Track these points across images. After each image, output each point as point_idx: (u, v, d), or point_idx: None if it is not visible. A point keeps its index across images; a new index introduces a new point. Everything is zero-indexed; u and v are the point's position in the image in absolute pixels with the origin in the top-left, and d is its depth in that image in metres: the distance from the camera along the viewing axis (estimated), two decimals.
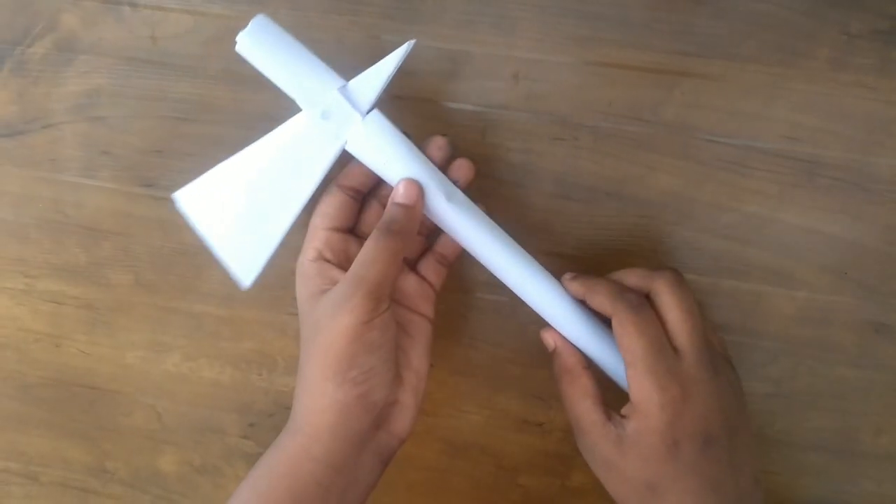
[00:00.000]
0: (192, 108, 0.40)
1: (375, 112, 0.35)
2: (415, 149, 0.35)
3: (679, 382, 0.31)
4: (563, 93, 0.38)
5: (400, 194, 0.34)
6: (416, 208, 0.34)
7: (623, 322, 0.32)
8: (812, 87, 0.37)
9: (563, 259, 0.40)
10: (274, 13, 0.37)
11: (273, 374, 0.44)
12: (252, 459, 0.45)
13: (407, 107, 0.39)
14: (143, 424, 0.45)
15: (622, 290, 0.33)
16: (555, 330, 0.35)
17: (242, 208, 0.36)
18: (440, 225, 0.35)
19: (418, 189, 0.34)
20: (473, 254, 0.36)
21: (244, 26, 0.34)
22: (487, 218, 0.35)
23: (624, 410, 0.33)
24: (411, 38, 0.35)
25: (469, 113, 0.39)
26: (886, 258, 0.39)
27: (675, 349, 0.32)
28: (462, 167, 0.36)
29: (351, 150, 0.35)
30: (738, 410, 0.33)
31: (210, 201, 0.36)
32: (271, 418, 0.45)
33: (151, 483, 0.46)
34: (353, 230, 0.37)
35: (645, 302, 0.33)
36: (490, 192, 0.40)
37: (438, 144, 0.36)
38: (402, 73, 0.39)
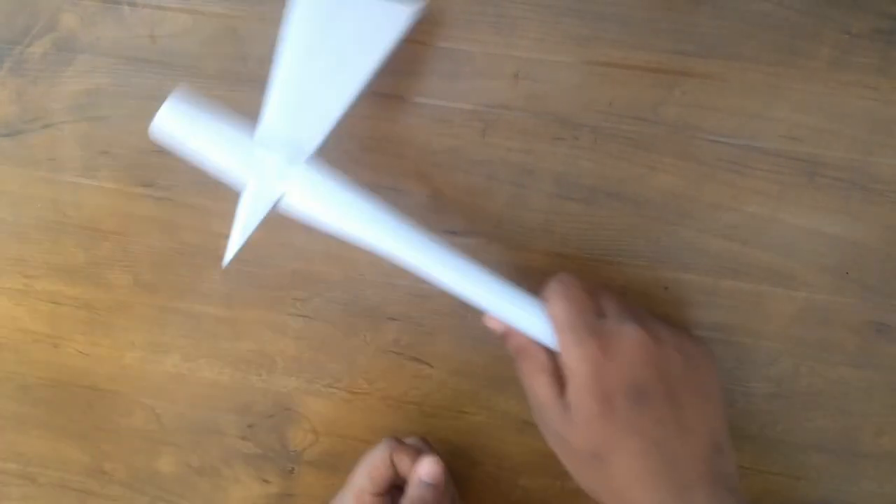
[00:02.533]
0: None
1: (305, 167, 0.34)
2: (354, 195, 0.34)
3: (599, 336, 0.32)
4: (563, 92, 0.38)
5: (426, 473, 0.36)
6: (441, 486, 0.36)
7: (549, 291, 0.34)
8: (813, 87, 0.37)
9: (563, 259, 0.40)
10: (274, 13, 0.37)
11: (272, 374, 0.44)
12: (251, 460, 0.45)
13: (408, 107, 0.39)
14: (142, 425, 0.45)
15: (554, 277, 0.35)
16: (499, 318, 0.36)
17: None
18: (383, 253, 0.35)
19: (441, 469, 0.36)
20: (411, 269, 0.35)
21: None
22: (423, 235, 0.35)
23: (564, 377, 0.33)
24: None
25: (469, 113, 0.39)
26: (887, 258, 0.39)
27: (600, 314, 0.34)
28: (426, 467, 0.37)
29: (289, 207, 0.35)
30: (684, 371, 0.33)
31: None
32: (270, 419, 0.44)
33: (150, 484, 0.46)
34: None
35: (576, 282, 0.35)
36: (490, 193, 0.40)
37: (427, 471, 0.37)
38: (403, 73, 0.39)
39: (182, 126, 0.34)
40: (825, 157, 0.38)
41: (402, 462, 0.38)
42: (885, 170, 0.38)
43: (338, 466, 0.44)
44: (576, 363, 0.32)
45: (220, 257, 0.42)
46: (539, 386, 0.34)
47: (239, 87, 0.40)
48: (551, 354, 0.34)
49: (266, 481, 0.45)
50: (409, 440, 0.40)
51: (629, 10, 0.37)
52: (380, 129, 0.40)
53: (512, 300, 0.35)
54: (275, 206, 0.34)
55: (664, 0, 0.37)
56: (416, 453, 0.38)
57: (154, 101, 0.40)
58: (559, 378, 0.33)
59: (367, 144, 0.40)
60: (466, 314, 0.42)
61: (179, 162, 0.41)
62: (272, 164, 0.34)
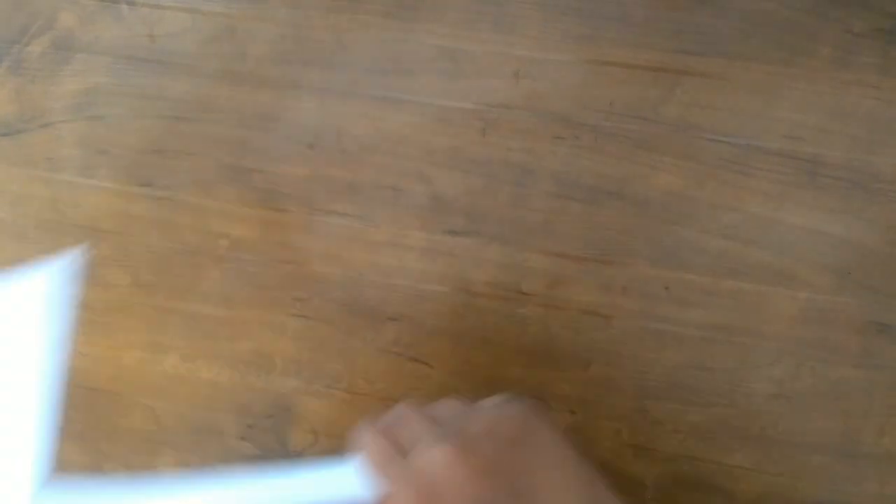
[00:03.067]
0: (191, 107, 0.40)
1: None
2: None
3: (412, 482, 0.27)
4: (563, 92, 0.38)
5: None
6: None
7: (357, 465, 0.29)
8: (814, 86, 0.37)
9: (563, 259, 0.40)
10: (274, 13, 0.37)
11: (271, 375, 0.44)
12: (251, 461, 0.45)
13: (408, 107, 0.39)
14: (141, 425, 0.45)
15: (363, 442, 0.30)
16: None
17: None
18: None
19: None
20: None
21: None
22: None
23: None
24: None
25: (469, 112, 0.39)
26: (889, 258, 0.39)
27: (402, 452, 0.29)
28: None
29: None
30: (515, 457, 0.28)
31: None
32: (269, 419, 0.44)
33: None
34: None
35: (372, 432, 0.30)
36: (490, 193, 0.40)
37: None
38: (402, 73, 0.39)
39: None
40: (826, 157, 0.38)
41: None
42: (886, 169, 0.38)
43: None
44: None
45: (220, 257, 0.42)
46: None
47: (238, 87, 0.39)
48: None
49: None
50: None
51: (630, 10, 0.37)
52: (379, 129, 0.40)
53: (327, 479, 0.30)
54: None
55: None
56: None
57: (152, 100, 0.40)
58: None
59: (367, 144, 0.40)
60: (466, 314, 0.42)
61: (179, 162, 0.41)
62: None
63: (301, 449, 0.44)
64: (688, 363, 0.41)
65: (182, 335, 0.44)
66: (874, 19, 0.36)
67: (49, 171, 0.42)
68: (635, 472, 0.42)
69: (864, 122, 0.37)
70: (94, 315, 0.44)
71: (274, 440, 0.44)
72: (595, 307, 0.40)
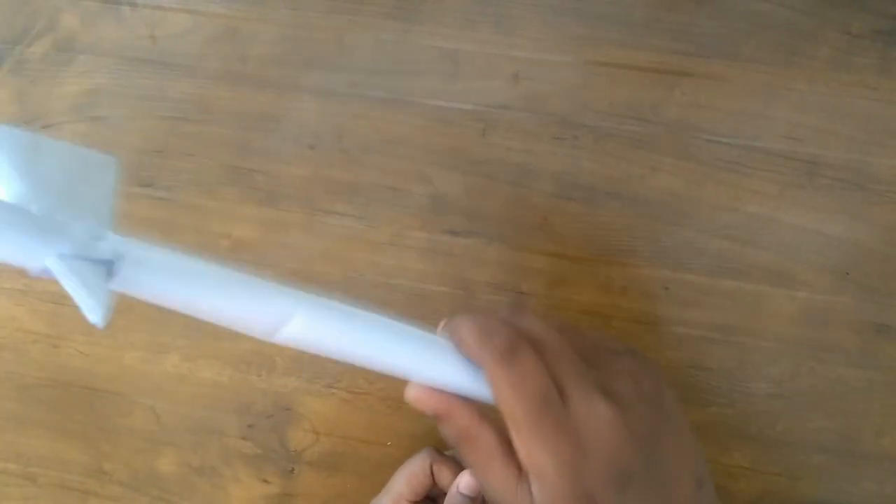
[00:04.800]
0: (192, 107, 0.40)
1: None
2: (194, 265, 0.27)
3: (571, 435, 0.26)
4: (563, 92, 0.38)
5: (464, 484, 0.35)
6: (479, 499, 0.35)
7: (494, 380, 0.27)
8: (813, 87, 0.37)
9: (563, 259, 0.40)
10: (275, 14, 0.37)
11: (272, 374, 0.44)
12: (251, 460, 0.45)
13: (408, 107, 0.39)
14: (142, 425, 0.45)
15: (490, 334, 0.28)
16: (427, 387, 0.28)
17: None
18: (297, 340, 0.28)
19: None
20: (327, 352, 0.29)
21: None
22: (330, 302, 0.29)
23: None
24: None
25: (469, 113, 0.39)
26: (887, 258, 0.39)
27: (559, 389, 0.27)
28: (467, 478, 0.36)
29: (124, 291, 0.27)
30: (656, 421, 0.28)
31: None
32: (270, 419, 0.44)
33: (150, 484, 0.46)
34: None
35: (518, 344, 0.27)
36: (490, 193, 0.40)
37: (466, 483, 0.36)
38: (403, 74, 0.39)
39: None
40: (825, 158, 0.38)
41: (442, 473, 0.38)
42: (884, 170, 0.38)
43: (338, 466, 0.44)
44: (549, 475, 0.26)
45: (220, 257, 0.42)
46: (493, 476, 0.27)
47: (239, 87, 0.40)
48: (499, 432, 0.27)
49: (266, 481, 0.45)
50: (449, 452, 0.41)
51: (629, 10, 0.37)
52: (380, 129, 0.40)
53: (443, 359, 0.28)
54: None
55: (665, 0, 0.37)
56: (456, 466, 0.38)
57: (154, 101, 0.40)
58: (513, 459, 0.27)
59: (367, 144, 0.40)
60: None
61: (180, 162, 0.41)
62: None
63: (301, 449, 0.44)
64: (687, 363, 0.41)
65: (183, 335, 0.44)
66: (873, 21, 0.36)
67: None
68: None
69: (862, 122, 0.37)
70: None
71: (275, 440, 0.44)
72: (595, 307, 0.41)
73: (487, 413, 0.28)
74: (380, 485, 0.40)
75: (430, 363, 0.28)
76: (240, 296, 0.27)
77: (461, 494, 0.36)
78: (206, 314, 0.27)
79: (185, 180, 0.41)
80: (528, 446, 0.26)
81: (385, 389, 0.43)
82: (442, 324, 0.30)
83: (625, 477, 0.26)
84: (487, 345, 0.27)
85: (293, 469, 0.45)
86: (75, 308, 0.45)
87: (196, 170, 0.41)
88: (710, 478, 0.30)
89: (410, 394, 0.29)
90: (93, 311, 0.25)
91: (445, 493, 0.37)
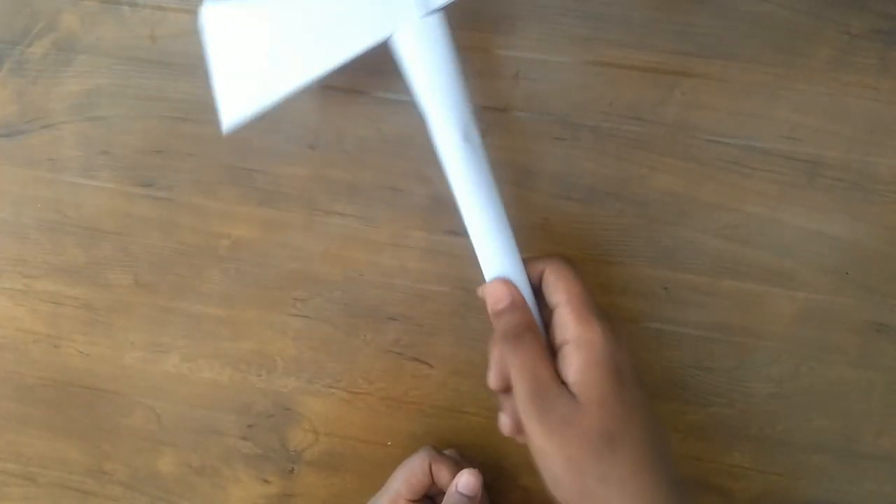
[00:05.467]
0: (192, 107, 0.40)
1: (435, 17, 0.33)
2: (453, 75, 0.33)
3: (609, 320, 0.32)
4: (563, 93, 0.38)
5: (464, 484, 0.37)
6: (477, 498, 0.37)
7: (560, 268, 0.33)
8: (813, 87, 0.37)
9: None
10: None
11: (272, 374, 0.44)
12: (251, 460, 0.45)
13: (408, 107, 0.39)
14: (142, 425, 0.45)
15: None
16: (506, 281, 0.33)
17: (261, 48, 0.34)
18: (442, 159, 0.34)
19: (479, 481, 0.37)
20: (459, 198, 0.34)
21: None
22: (487, 174, 0.34)
23: (562, 356, 0.32)
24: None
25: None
26: (887, 258, 0.39)
27: None
28: (465, 477, 0.37)
29: (396, 44, 0.33)
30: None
31: (233, 27, 0.34)
32: (270, 419, 0.44)
33: (150, 484, 0.46)
34: None
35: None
36: None
37: (465, 482, 0.37)
38: (403, 74, 0.39)
39: None
40: (825, 158, 0.38)
41: (441, 472, 0.38)
42: (884, 170, 0.38)
43: (338, 466, 0.44)
44: (597, 337, 0.31)
45: (221, 257, 0.42)
46: (544, 367, 0.32)
47: None
48: (548, 337, 0.33)
49: (266, 481, 0.45)
50: (447, 452, 0.41)
51: (629, 11, 0.37)
52: (380, 129, 0.40)
53: (518, 260, 0.34)
54: (381, 41, 0.33)
55: (664, 0, 0.37)
56: (455, 465, 0.38)
57: (154, 101, 0.40)
58: (553, 362, 0.32)
59: (367, 144, 0.40)
60: (466, 314, 0.42)
61: (180, 162, 0.41)
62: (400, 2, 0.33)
63: (301, 449, 0.44)
64: (687, 363, 0.41)
65: (183, 335, 0.44)
66: (872, 21, 0.36)
67: (51, 171, 0.42)
68: None
69: (862, 122, 0.37)
70: (95, 315, 0.44)
71: (275, 440, 0.44)
72: None
73: None
74: (379, 485, 0.40)
75: (520, 272, 0.34)
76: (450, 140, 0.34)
77: (460, 494, 0.36)
78: None
79: (185, 180, 0.41)
80: (583, 313, 0.31)
81: (385, 389, 0.43)
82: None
83: (639, 376, 0.32)
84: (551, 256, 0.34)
85: (293, 469, 0.45)
86: (75, 308, 0.45)
87: (196, 169, 0.41)
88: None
89: (493, 287, 0.33)
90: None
91: (444, 493, 0.37)
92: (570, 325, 0.32)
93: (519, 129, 0.39)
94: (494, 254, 0.33)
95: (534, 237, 0.40)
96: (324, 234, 0.41)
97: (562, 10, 0.37)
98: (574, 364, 0.31)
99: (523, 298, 0.33)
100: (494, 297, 0.33)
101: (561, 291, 0.32)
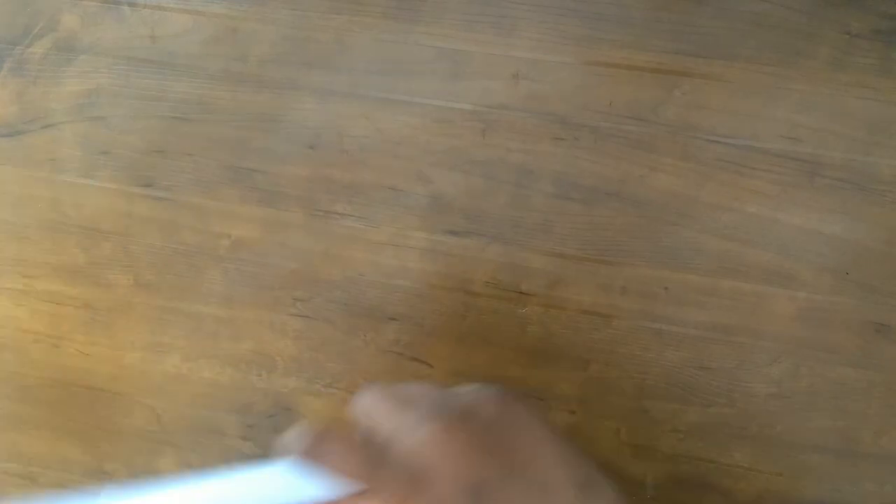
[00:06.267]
0: (192, 107, 0.40)
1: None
2: None
3: (388, 475, 0.26)
4: (563, 93, 0.38)
5: None
6: None
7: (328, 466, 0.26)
8: (812, 87, 0.37)
9: (563, 259, 0.40)
10: (275, 15, 0.37)
11: (272, 374, 0.44)
12: (251, 461, 0.45)
13: (408, 107, 0.39)
14: (142, 425, 0.45)
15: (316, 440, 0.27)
16: None
17: None
18: None
19: None
20: None
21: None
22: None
23: None
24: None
25: (469, 113, 0.39)
26: (887, 258, 0.39)
27: (376, 442, 0.27)
28: None
29: None
30: (503, 433, 0.28)
31: None
32: (270, 419, 0.44)
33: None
34: None
35: (318, 433, 0.27)
36: (490, 193, 0.40)
37: None
38: (403, 74, 0.39)
39: None
40: (825, 158, 0.38)
41: None
42: (884, 170, 0.38)
43: None
44: None
45: (221, 257, 0.42)
46: None
47: (239, 88, 0.40)
48: None
49: None
50: None
51: (629, 11, 0.37)
52: (380, 129, 0.40)
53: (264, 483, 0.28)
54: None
55: (664, 0, 0.37)
56: None
57: (154, 101, 0.40)
58: None
59: (367, 144, 0.40)
60: (466, 314, 0.42)
61: (180, 162, 0.41)
62: None
63: None
64: (687, 363, 0.41)
65: (183, 335, 0.44)
66: (872, 21, 0.36)
67: (51, 171, 0.42)
68: (634, 471, 0.43)
69: (862, 123, 0.37)
70: (95, 315, 0.44)
71: (275, 440, 0.44)
72: (594, 307, 0.41)
73: None
74: None
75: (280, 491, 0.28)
76: None
77: None
78: None
79: (185, 180, 0.41)
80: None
81: None
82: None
83: (478, 488, 0.26)
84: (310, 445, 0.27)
85: None
86: (75, 308, 0.45)
87: (196, 170, 0.41)
88: (602, 482, 0.28)
89: None
90: None
91: None
92: None
93: (519, 129, 0.39)
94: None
95: (534, 237, 0.40)
96: (324, 234, 0.41)
97: (562, 10, 0.37)
98: None
99: None
100: None
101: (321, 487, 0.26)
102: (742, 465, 0.42)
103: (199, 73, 0.40)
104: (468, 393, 0.29)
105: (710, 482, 0.42)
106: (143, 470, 0.46)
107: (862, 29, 0.36)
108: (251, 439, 0.45)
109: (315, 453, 0.27)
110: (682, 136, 0.38)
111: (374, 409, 0.29)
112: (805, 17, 0.36)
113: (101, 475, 0.46)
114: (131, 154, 0.41)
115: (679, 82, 0.38)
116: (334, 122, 0.40)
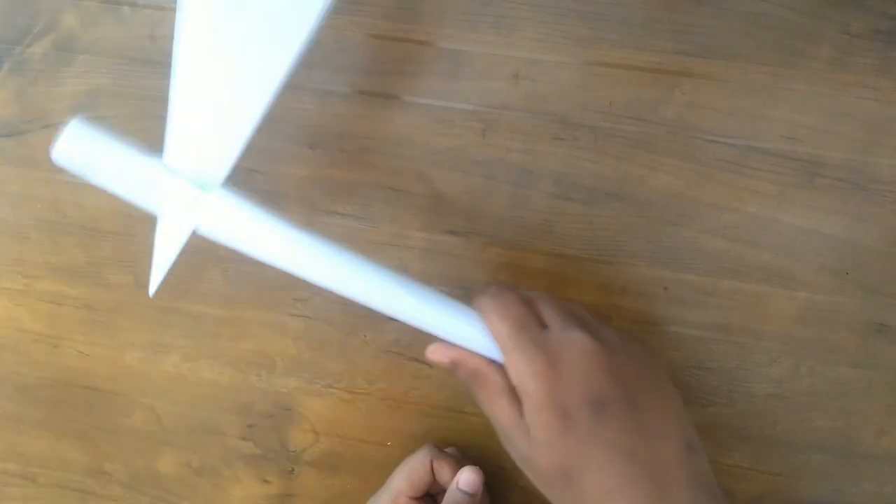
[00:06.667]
0: None
1: (220, 190, 0.32)
2: (271, 219, 0.33)
3: (546, 350, 0.30)
4: (563, 93, 0.38)
5: (465, 481, 0.37)
6: (478, 496, 0.37)
7: (485, 310, 0.32)
8: (812, 87, 0.37)
9: (563, 259, 0.40)
10: None
11: (272, 374, 0.44)
12: (251, 461, 0.45)
13: (408, 107, 0.39)
14: (142, 425, 0.45)
15: (484, 288, 0.34)
16: (441, 343, 0.33)
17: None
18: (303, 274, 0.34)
19: (480, 479, 0.37)
20: (340, 293, 0.33)
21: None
22: (349, 254, 0.34)
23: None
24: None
25: (469, 113, 0.39)
26: (887, 258, 0.39)
27: (541, 321, 0.32)
28: (467, 475, 0.37)
29: (205, 233, 0.33)
30: (639, 375, 0.31)
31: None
32: (270, 419, 0.44)
33: (150, 484, 0.46)
34: None
35: (506, 288, 0.33)
36: (490, 193, 0.40)
37: (466, 480, 0.37)
38: (403, 73, 0.39)
39: (85, 152, 0.31)
40: (825, 158, 0.38)
41: (442, 470, 0.38)
42: (884, 170, 0.38)
43: (338, 466, 0.44)
44: (527, 382, 0.30)
45: (221, 257, 0.42)
46: (499, 410, 0.31)
47: None
48: (504, 374, 0.32)
49: (266, 481, 0.45)
50: (449, 450, 0.41)
51: (629, 11, 0.37)
52: (380, 129, 0.40)
53: (453, 316, 0.33)
54: (191, 236, 0.33)
55: (664, 0, 0.37)
56: (456, 463, 0.38)
57: (153, 101, 0.40)
58: (517, 398, 0.31)
59: (367, 144, 0.40)
60: None
61: None
62: (183, 193, 0.32)
63: (301, 449, 0.44)
64: (687, 363, 0.41)
65: (183, 335, 0.44)
66: (872, 20, 0.36)
67: (50, 171, 0.42)
68: None
69: (862, 123, 0.37)
70: (95, 315, 0.44)
71: (275, 440, 0.45)
72: (595, 307, 0.41)
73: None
74: (380, 485, 0.40)
75: (452, 324, 0.33)
76: (311, 263, 0.34)
77: (461, 491, 0.36)
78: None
79: None
80: (515, 365, 0.31)
81: (385, 389, 0.43)
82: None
83: (599, 403, 0.30)
84: (481, 293, 0.33)
85: (293, 469, 0.45)
86: (75, 308, 0.45)
87: None
88: (704, 450, 0.32)
89: (432, 351, 0.33)
90: (154, 281, 0.35)
91: (445, 490, 0.37)
92: (507, 370, 0.31)
93: (519, 129, 0.39)
94: (431, 323, 0.33)
95: (534, 237, 0.40)
96: (324, 234, 0.41)
97: (562, 10, 0.37)
98: (524, 407, 0.30)
99: (462, 352, 0.33)
100: (438, 364, 0.33)
101: (493, 338, 0.32)
102: (742, 465, 0.42)
103: None
104: (621, 335, 0.33)
105: None
106: (143, 470, 0.46)
107: (862, 29, 0.36)
108: (251, 439, 0.45)
109: (489, 300, 0.32)
110: (682, 136, 0.38)
111: (543, 300, 0.33)
112: (805, 17, 0.37)
113: (101, 475, 0.46)
114: None
115: (679, 82, 0.38)
116: (334, 122, 0.40)
